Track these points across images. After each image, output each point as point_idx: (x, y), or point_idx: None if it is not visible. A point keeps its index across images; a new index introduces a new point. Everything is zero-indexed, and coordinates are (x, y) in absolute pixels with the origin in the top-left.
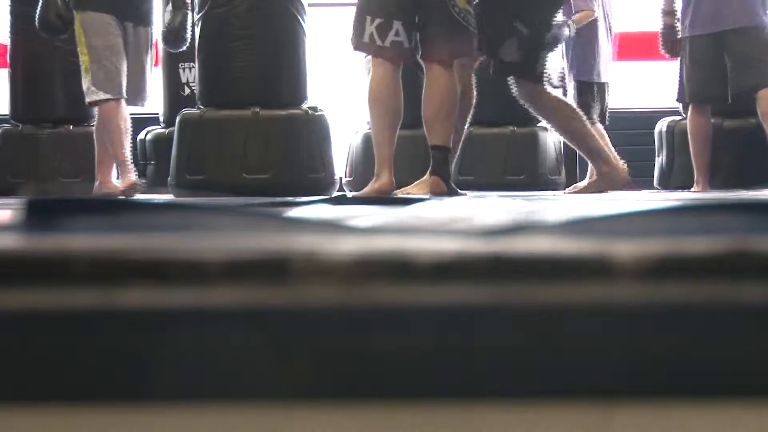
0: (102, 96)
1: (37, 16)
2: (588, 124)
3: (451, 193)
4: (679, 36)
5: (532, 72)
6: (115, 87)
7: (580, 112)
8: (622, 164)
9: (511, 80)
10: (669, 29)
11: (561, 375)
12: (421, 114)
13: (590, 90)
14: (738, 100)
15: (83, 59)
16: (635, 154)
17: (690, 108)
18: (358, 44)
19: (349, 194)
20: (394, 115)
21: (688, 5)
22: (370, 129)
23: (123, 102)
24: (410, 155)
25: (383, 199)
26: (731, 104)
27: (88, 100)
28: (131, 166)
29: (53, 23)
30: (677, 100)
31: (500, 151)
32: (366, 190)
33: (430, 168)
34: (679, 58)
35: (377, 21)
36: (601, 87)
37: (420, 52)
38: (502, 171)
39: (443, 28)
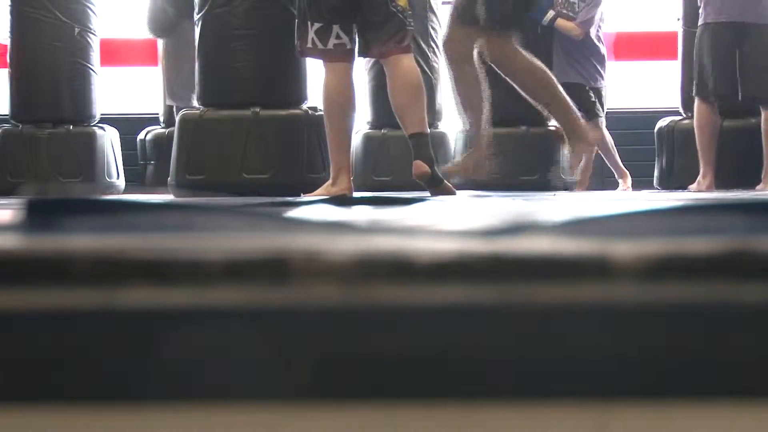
0: (168, 102)
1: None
2: (561, 91)
3: (434, 177)
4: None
5: (511, 27)
6: (172, 95)
7: (553, 79)
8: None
9: (481, 42)
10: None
11: (561, 375)
12: (392, 109)
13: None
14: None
15: None
16: (635, 154)
17: (697, 101)
18: (304, 50)
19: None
20: (348, 119)
21: None
22: (370, 129)
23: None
24: (408, 155)
25: (383, 198)
26: (731, 104)
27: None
28: None
29: (160, 20)
30: (693, 93)
31: (512, 150)
32: (320, 192)
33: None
34: (688, 50)
35: (316, 25)
36: (593, 90)
37: (372, 53)
38: (515, 171)
39: (389, 26)
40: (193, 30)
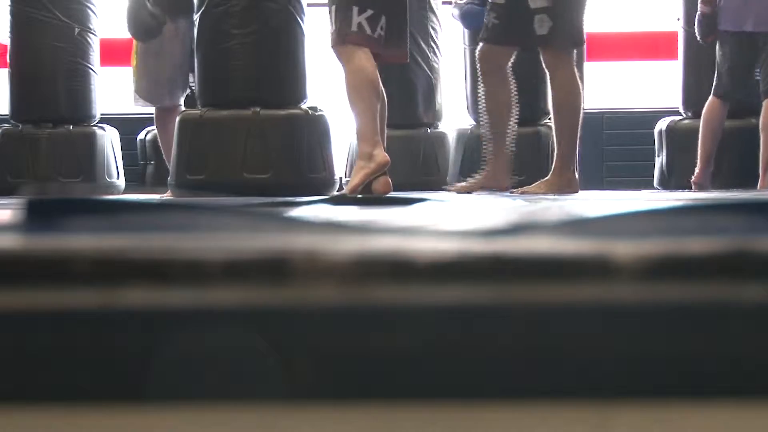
0: (141, 102)
1: (126, 19)
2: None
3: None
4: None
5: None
6: (147, 94)
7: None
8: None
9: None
10: (707, 18)
11: (561, 375)
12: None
13: None
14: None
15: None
16: (635, 154)
17: (711, 98)
18: (343, 35)
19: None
20: (378, 99)
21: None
22: None
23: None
24: (408, 155)
25: (383, 199)
26: (748, 105)
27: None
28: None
29: (147, 24)
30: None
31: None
32: (366, 172)
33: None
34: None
35: (369, 12)
36: None
37: (384, 52)
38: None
39: (405, 31)
40: (172, 28)
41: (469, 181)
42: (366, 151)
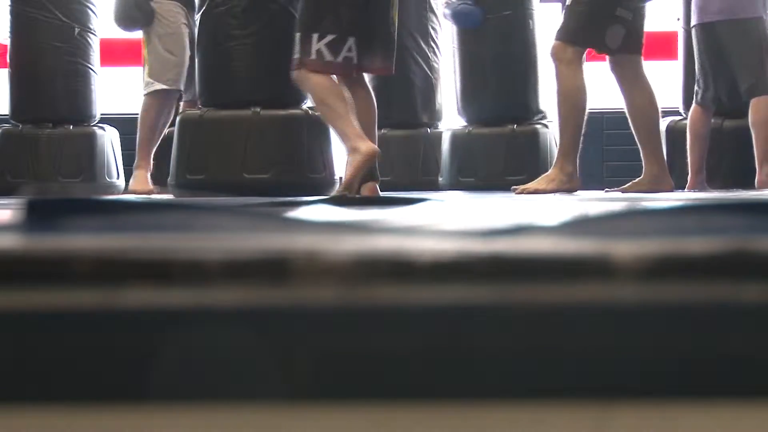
0: (157, 86)
1: (114, 10)
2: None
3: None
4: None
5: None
6: (170, 78)
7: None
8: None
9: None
10: None
11: (561, 375)
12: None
13: None
14: (738, 100)
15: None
16: (635, 154)
17: (694, 105)
18: (302, 63)
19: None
20: (349, 101)
21: None
22: None
23: (171, 94)
24: (408, 155)
25: (383, 199)
26: (731, 104)
27: (145, 92)
28: (146, 169)
29: (134, 16)
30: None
31: (500, 150)
32: (355, 165)
33: (363, 176)
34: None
35: (329, 37)
36: None
37: (363, 66)
38: (502, 171)
39: (386, 44)
40: (185, 15)
41: (627, 185)
42: (351, 146)
